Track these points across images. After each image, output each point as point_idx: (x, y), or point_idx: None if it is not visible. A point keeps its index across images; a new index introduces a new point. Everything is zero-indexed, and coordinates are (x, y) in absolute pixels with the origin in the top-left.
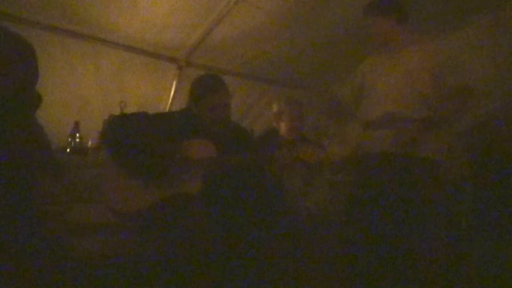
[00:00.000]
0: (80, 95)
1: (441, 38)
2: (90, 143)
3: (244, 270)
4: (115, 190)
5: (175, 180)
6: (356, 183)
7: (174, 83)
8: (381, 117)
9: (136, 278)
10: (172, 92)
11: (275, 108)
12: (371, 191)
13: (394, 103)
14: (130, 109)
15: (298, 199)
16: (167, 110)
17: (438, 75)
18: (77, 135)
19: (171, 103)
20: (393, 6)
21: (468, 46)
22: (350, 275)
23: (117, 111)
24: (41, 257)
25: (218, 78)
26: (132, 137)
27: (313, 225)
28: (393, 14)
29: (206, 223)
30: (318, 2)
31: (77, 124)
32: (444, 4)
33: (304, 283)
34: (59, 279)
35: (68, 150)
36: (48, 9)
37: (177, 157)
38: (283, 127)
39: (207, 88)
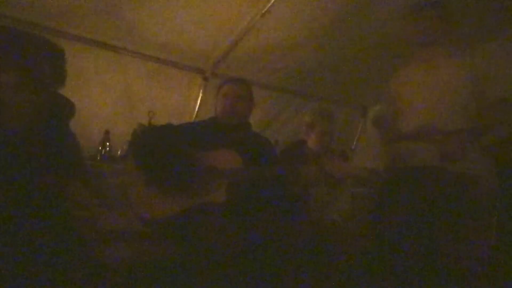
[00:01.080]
0: (110, 104)
1: (479, 48)
2: (119, 151)
3: (267, 281)
4: (142, 198)
5: (200, 189)
6: (388, 196)
7: (200, 93)
8: (418, 129)
9: (161, 285)
10: (198, 102)
11: (307, 118)
12: (405, 204)
13: (432, 115)
14: (158, 118)
15: (323, 211)
16: (193, 119)
17: (477, 86)
18: (107, 143)
19: (197, 112)
20: (442, 9)
21: (507, 56)
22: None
23: (145, 121)
24: (71, 262)
25: None
26: (158, 148)
27: (338, 237)
28: (442, 17)
29: (229, 232)
30: (344, 14)
31: (107, 133)
32: (483, 13)
33: None
34: (87, 284)
35: (98, 158)
36: (79, 22)
37: (202, 167)
38: (313, 139)
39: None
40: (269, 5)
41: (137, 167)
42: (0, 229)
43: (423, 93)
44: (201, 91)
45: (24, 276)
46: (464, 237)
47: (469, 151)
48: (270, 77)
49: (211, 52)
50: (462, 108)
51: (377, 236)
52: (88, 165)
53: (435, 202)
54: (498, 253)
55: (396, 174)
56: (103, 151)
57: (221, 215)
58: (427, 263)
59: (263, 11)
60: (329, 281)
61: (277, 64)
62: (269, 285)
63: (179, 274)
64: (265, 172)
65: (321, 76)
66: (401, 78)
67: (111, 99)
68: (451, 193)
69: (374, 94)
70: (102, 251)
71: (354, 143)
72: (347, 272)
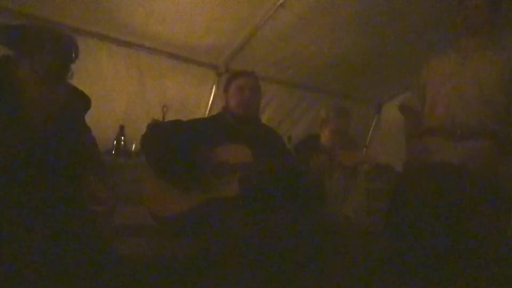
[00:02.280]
0: (125, 100)
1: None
2: (134, 146)
3: (279, 275)
4: (155, 193)
5: (211, 184)
6: (404, 192)
7: (214, 88)
8: (444, 124)
9: (175, 280)
10: (212, 97)
11: (323, 114)
12: (421, 201)
13: (461, 110)
14: (172, 113)
15: (337, 207)
16: (206, 114)
17: (508, 82)
18: (122, 138)
19: (211, 107)
20: None
21: None
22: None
23: (160, 116)
24: (85, 256)
25: None
26: (168, 144)
27: (352, 233)
28: (496, 5)
29: (242, 227)
30: (359, 9)
31: (122, 128)
32: None
33: None
34: (102, 279)
35: (113, 152)
36: (95, 18)
37: (213, 161)
38: (326, 135)
39: None
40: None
41: (148, 163)
42: (17, 222)
43: (453, 85)
44: (214, 86)
45: (40, 269)
46: (481, 237)
47: (491, 149)
48: (284, 72)
49: (225, 48)
50: (491, 103)
51: (392, 232)
52: (103, 160)
53: (453, 200)
54: None
55: (414, 169)
56: (118, 146)
57: (234, 210)
58: (442, 261)
59: (276, 6)
60: (342, 277)
61: (290, 59)
62: (282, 279)
63: (192, 269)
64: (276, 165)
65: (335, 71)
66: (432, 67)
67: (126, 95)
68: (470, 193)
69: (388, 90)
70: (117, 245)
71: (368, 139)
72: (360, 268)
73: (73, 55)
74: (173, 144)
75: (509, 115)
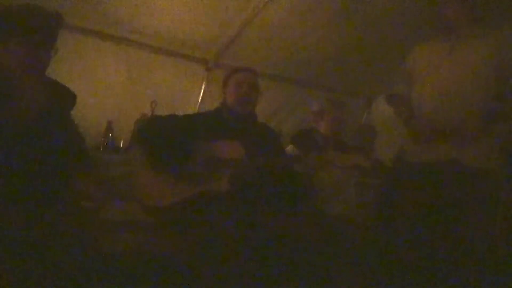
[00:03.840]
0: (113, 95)
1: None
2: (122, 142)
3: (270, 271)
4: (147, 185)
5: (202, 178)
6: (396, 187)
7: (204, 83)
8: (434, 117)
9: (166, 275)
10: (202, 92)
11: (316, 107)
12: (413, 196)
13: (451, 96)
14: (161, 108)
15: (328, 202)
16: (196, 109)
17: (500, 70)
18: (110, 134)
19: (200, 102)
20: None
21: None
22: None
23: (148, 111)
24: (75, 254)
25: None
26: (163, 137)
27: (343, 228)
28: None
29: (231, 222)
30: (349, 3)
31: (110, 123)
32: None
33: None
34: (93, 276)
35: (101, 148)
36: (82, 13)
37: (207, 156)
38: (323, 126)
39: None
40: None
41: (143, 156)
42: (4, 220)
43: (443, 73)
44: (204, 81)
45: (28, 267)
46: (472, 231)
47: (482, 144)
48: (274, 67)
49: (214, 43)
50: (483, 91)
51: (383, 227)
52: (91, 156)
53: (445, 195)
54: (504, 246)
55: (406, 167)
56: (106, 141)
57: (224, 205)
58: (433, 256)
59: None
60: (333, 272)
61: (280, 54)
62: (271, 275)
63: (183, 263)
64: (268, 162)
65: (325, 66)
66: (420, 53)
67: (114, 90)
68: (463, 186)
69: (378, 85)
70: (107, 241)
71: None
72: (352, 265)
73: (54, 40)
74: (168, 137)
75: (498, 100)
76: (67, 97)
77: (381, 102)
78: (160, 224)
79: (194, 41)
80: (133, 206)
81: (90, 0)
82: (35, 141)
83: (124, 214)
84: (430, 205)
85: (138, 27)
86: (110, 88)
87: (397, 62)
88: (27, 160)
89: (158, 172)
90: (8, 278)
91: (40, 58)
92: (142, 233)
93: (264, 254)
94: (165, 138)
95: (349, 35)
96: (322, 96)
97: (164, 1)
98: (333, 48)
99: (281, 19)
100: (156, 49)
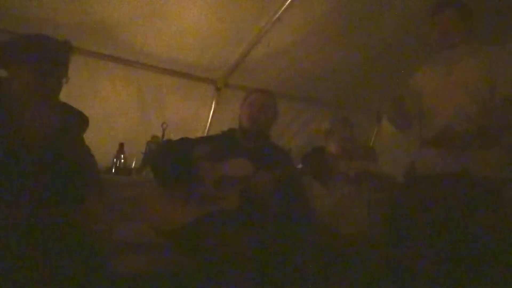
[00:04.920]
0: (124, 117)
1: (500, 44)
2: (134, 163)
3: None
4: (157, 207)
5: (213, 197)
6: (407, 202)
7: (213, 103)
8: (438, 133)
9: None
10: (211, 113)
11: (326, 126)
12: (425, 211)
13: (452, 116)
14: (172, 130)
15: (339, 220)
16: (206, 129)
17: (494, 85)
18: (122, 156)
19: (210, 123)
20: (468, 8)
21: None
22: None
23: (159, 133)
24: (87, 276)
25: None
26: (174, 161)
27: (355, 246)
28: (467, 15)
29: (242, 239)
30: (356, 19)
31: (121, 146)
32: (501, 13)
33: None
34: None
35: (113, 170)
36: (94, 38)
37: (216, 175)
38: (333, 145)
39: None
40: (279, 13)
41: (155, 180)
42: (16, 242)
43: (443, 94)
44: (214, 101)
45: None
46: (484, 246)
47: (492, 156)
48: (282, 85)
49: (223, 64)
50: (481, 108)
51: (394, 243)
52: (103, 179)
53: (457, 207)
54: None
55: (416, 180)
56: (117, 163)
57: (233, 222)
58: (445, 271)
59: (273, 20)
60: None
61: (288, 72)
62: None
63: (193, 283)
64: (276, 179)
65: (333, 83)
66: (421, 79)
67: (126, 112)
68: (474, 200)
69: (388, 99)
70: (118, 263)
71: (372, 148)
72: (362, 278)
73: (65, 68)
74: (179, 161)
75: (491, 116)
76: (79, 121)
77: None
78: (171, 246)
79: (203, 63)
80: (144, 228)
81: (102, 25)
82: (47, 164)
83: (136, 236)
84: (442, 218)
85: (148, 51)
86: (121, 110)
87: (406, 77)
88: (39, 183)
89: (169, 194)
90: None
91: (50, 86)
92: (154, 255)
93: (275, 272)
94: (176, 162)
95: (357, 52)
96: (331, 114)
97: (173, 25)
98: (341, 65)
99: (288, 39)
100: (166, 72)
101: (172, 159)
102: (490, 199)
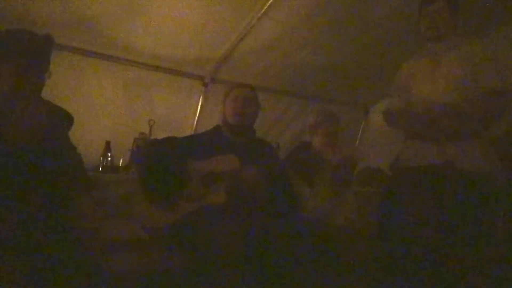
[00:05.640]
0: (111, 115)
1: (484, 37)
2: (121, 161)
3: (270, 282)
4: (145, 205)
5: (200, 193)
6: (394, 195)
7: (201, 99)
8: (428, 127)
9: None
10: (199, 108)
11: (311, 120)
12: (412, 203)
13: (440, 112)
14: (159, 126)
15: (328, 212)
16: (194, 125)
17: (478, 77)
18: (109, 154)
19: (198, 118)
20: (456, 0)
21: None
22: None
23: (146, 129)
24: (75, 274)
25: None
26: (160, 160)
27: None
28: (455, 8)
29: (231, 233)
30: (342, 14)
31: (108, 144)
32: (487, 5)
33: None
34: None
35: (100, 169)
36: (79, 34)
37: (203, 171)
38: (317, 140)
39: None
40: (266, 7)
41: (141, 179)
42: (4, 241)
43: (430, 89)
44: (201, 97)
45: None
46: (472, 235)
47: (475, 148)
48: (270, 80)
49: (210, 59)
50: (465, 100)
51: (384, 236)
52: (90, 176)
53: (443, 200)
54: (504, 250)
55: (402, 173)
56: (104, 161)
57: (221, 217)
58: (435, 263)
59: (259, 14)
60: (332, 281)
61: (276, 67)
62: (272, 285)
63: (183, 279)
64: (262, 173)
65: (320, 77)
66: (407, 72)
67: (112, 110)
68: (459, 191)
69: (375, 93)
70: (107, 260)
71: (357, 143)
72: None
73: (47, 62)
74: (164, 159)
75: (475, 107)
76: (63, 119)
77: (378, 112)
78: (160, 242)
79: (190, 59)
80: (131, 225)
81: (86, 21)
82: (32, 163)
83: (124, 234)
84: (427, 210)
85: (134, 47)
86: (107, 108)
87: (393, 71)
88: (25, 182)
89: (155, 194)
90: None
91: (32, 81)
92: (143, 252)
93: (264, 264)
94: (163, 161)
95: (344, 46)
96: (317, 109)
97: (159, 20)
98: (328, 59)
99: (274, 33)
100: (152, 68)
101: (158, 158)
102: (474, 190)
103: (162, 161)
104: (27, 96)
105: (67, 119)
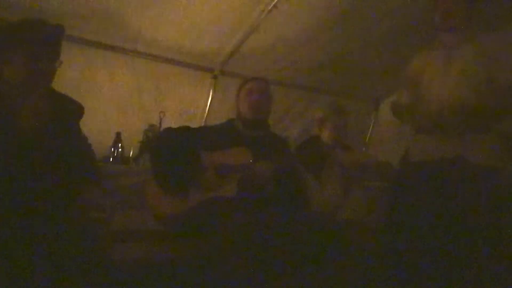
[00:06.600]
0: (121, 106)
1: (497, 32)
2: (131, 152)
3: (277, 276)
4: (157, 194)
5: (212, 185)
6: (405, 190)
7: (211, 91)
8: (438, 121)
9: (177, 282)
10: (209, 101)
11: (319, 114)
12: (423, 198)
13: (452, 106)
14: (169, 118)
15: (337, 207)
16: (204, 118)
17: (491, 72)
18: (119, 145)
19: (208, 110)
20: None
21: None
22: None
23: (156, 121)
24: (86, 264)
25: None
26: (174, 149)
27: (351, 231)
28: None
29: (239, 227)
30: (352, 6)
31: (118, 135)
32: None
33: None
34: (102, 285)
35: (111, 160)
36: (89, 26)
37: (215, 163)
38: (326, 134)
39: None
40: (275, 1)
41: (154, 166)
42: (14, 231)
43: (440, 80)
44: (211, 89)
45: (39, 278)
46: (484, 231)
47: (487, 142)
48: (279, 73)
49: (219, 51)
50: (477, 95)
51: (393, 230)
52: (101, 167)
53: (452, 192)
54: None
55: (412, 167)
56: (115, 152)
57: (231, 209)
58: (446, 259)
59: (269, 7)
60: (342, 276)
61: (286, 59)
62: (280, 279)
63: (193, 270)
64: (274, 167)
65: (331, 70)
66: (418, 64)
67: (122, 101)
68: (470, 185)
69: (385, 86)
70: (117, 251)
71: (368, 136)
72: (360, 267)
73: (57, 51)
74: (178, 148)
75: (490, 102)
76: (74, 109)
77: (388, 105)
78: (170, 232)
79: (200, 51)
80: (143, 215)
81: (97, 13)
82: (42, 153)
83: (135, 224)
84: (438, 203)
85: (145, 39)
86: (118, 99)
87: (404, 63)
88: (35, 172)
89: (167, 183)
90: None
91: (43, 71)
92: (153, 242)
93: (273, 258)
94: (176, 149)
95: (353, 38)
96: (326, 102)
97: (169, 13)
98: (339, 52)
99: (284, 25)
100: (162, 60)
101: (172, 146)
102: (486, 185)
103: (176, 149)
104: (38, 84)
105: (78, 109)
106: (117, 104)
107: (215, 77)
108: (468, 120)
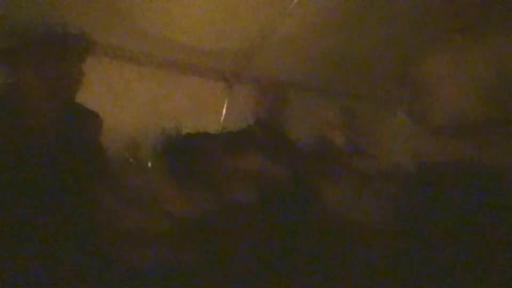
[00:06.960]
0: (136, 112)
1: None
2: (147, 160)
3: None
4: (170, 198)
5: (228, 189)
6: (417, 192)
7: (226, 98)
8: (446, 121)
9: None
10: (225, 108)
11: (329, 116)
12: (435, 200)
13: (463, 108)
14: (184, 125)
15: (348, 209)
16: (220, 123)
17: (503, 74)
18: (134, 152)
19: (224, 117)
20: None
21: None
22: None
23: (172, 128)
24: (97, 265)
25: None
26: (190, 153)
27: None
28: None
29: (256, 231)
30: (365, 9)
31: (134, 140)
32: None
33: None
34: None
35: (126, 166)
36: (102, 32)
37: (232, 168)
38: (336, 137)
39: None
40: (291, 6)
41: (171, 172)
42: (26, 232)
43: (452, 82)
44: (226, 96)
45: (51, 279)
46: (497, 232)
47: (500, 144)
48: (293, 76)
49: (235, 58)
50: (490, 97)
51: (402, 232)
52: (114, 171)
53: (468, 196)
54: None
55: (425, 169)
56: (130, 159)
57: (248, 215)
58: (459, 261)
59: (286, 12)
60: (351, 277)
61: (299, 63)
62: (292, 280)
63: (206, 273)
64: (290, 172)
65: (343, 72)
66: (428, 67)
67: (138, 107)
68: (484, 187)
69: (397, 88)
70: (130, 251)
71: (380, 138)
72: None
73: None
74: (194, 151)
75: (505, 105)
76: (94, 123)
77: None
78: (184, 235)
79: (216, 58)
80: (157, 216)
81: (112, 18)
82: (61, 160)
83: (148, 224)
84: (453, 205)
85: (160, 45)
86: (133, 105)
87: (415, 65)
88: (53, 177)
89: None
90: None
91: (70, 82)
92: (166, 244)
93: (286, 261)
94: (192, 153)
95: (365, 41)
96: (338, 104)
97: (185, 20)
98: (350, 54)
99: (296, 30)
100: (177, 67)
101: (187, 150)
102: (500, 187)
103: (194, 154)
104: (64, 97)
105: (97, 123)
106: (132, 110)
107: (230, 84)
108: (480, 122)
